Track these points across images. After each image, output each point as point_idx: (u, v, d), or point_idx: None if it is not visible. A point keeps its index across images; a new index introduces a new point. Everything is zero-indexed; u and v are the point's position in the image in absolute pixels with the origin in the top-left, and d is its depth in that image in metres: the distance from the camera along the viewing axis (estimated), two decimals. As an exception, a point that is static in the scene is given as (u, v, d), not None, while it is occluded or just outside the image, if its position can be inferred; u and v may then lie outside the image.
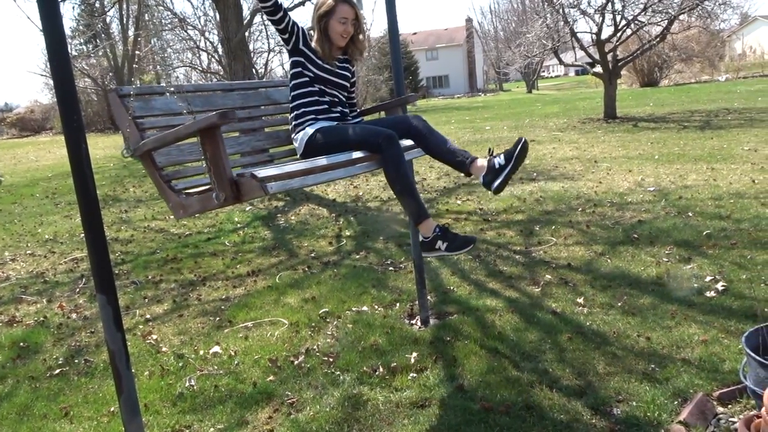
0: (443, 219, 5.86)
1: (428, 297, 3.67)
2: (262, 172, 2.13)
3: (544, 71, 61.35)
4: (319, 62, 2.86)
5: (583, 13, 13.87)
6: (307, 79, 2.86)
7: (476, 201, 6.44)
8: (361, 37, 2.94)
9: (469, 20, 56.38)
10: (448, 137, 2.79)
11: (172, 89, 2.22)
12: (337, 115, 2.92)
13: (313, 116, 2.85)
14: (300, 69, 2.87)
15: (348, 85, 3.00)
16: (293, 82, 2.90)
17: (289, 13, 2.81)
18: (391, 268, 4.51)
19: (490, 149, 2.74)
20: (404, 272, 4.39)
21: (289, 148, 3.03)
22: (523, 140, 2.55)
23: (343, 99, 2.99)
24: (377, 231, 5.60)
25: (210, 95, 2.92)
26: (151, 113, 2.50)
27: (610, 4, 13.53)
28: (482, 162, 2.60)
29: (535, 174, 7.67)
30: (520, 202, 6.21)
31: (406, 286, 4.07)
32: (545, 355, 2.95)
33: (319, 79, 2.87)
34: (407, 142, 2.79)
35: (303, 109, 2.87)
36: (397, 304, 3.79)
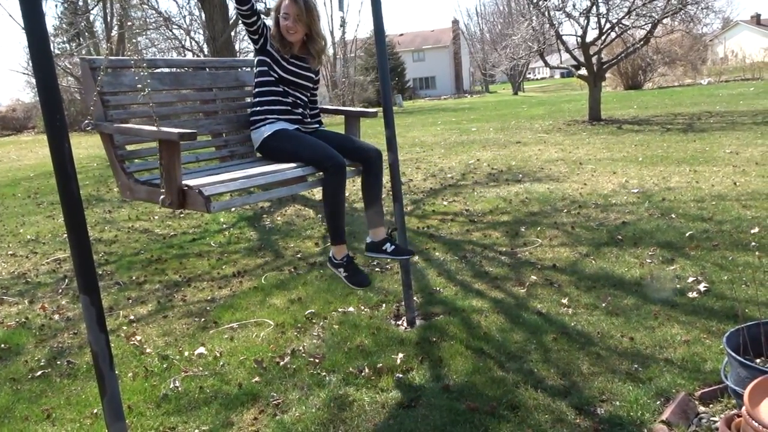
0: (429, 220, 5.87)
1: (414, 298, 3.68)
2: (209, 189, 2.23)
3: (529, 73, 61.68)
4: (284, 64, 2.95)
5: (569, 16, 13.98)
6: (272, 79, 2.96)
7: (462, 202, 6.47)
8: (316, 38, 3.01)
9: (455, 22, 56.60)
10: (382, 194, 3.14)
11: (136, 59, 2.28)
12: (298, 117, 3.02)
13: (275, 116, 2.96)
14: (266, 68, 2.96)
15: (311, 85, 3.09)
16: (258, 80, 2.99)
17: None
18: (377, 269, 4.52)
19: (392, 230, 3.15)
20: (390, 273, 4.39)
21: (245, 134, 3.10)
22: (413, 256, 3.09)
23: (306, 100, 3.09)
24: (363, 232, 5.59)
25: (180, 73, 2.96)
26: (119, 89, 2.55)
27: (594, 7, 13.65)
28: (382, 233, 3.07)
29: (520, 175, 7.72)
30: (506, 204, 6.24)
31: (392, 287, 4.07)
32: (530, 356, 2.97)
33: (284, 80, 2.97)
34: (358, 165, 3.02)
35: (265, 107, 2.96)
36: (383, 305, 3.79)
